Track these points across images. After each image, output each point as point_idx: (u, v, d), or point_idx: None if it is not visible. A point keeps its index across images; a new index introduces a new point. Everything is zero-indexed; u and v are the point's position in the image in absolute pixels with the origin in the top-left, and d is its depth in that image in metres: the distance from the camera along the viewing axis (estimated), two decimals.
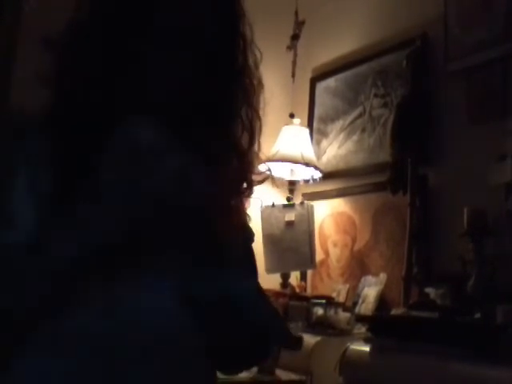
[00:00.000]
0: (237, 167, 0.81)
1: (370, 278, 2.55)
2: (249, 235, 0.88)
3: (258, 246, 2.70)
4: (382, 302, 2.42)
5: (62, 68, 0.77)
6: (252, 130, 0.83)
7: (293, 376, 2.00)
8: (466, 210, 1.95)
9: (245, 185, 0.84)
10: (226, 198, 0.80)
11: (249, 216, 0.90)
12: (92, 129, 0.72)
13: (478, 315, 1.65)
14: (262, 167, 0.88)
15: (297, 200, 2.93)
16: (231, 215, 0.80)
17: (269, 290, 2.50)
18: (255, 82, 0.85)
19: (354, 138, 2.89)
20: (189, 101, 0.77)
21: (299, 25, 3.14)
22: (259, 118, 0.85)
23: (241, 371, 0.94)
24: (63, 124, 0.73)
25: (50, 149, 0.72)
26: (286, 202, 2.88)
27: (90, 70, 0.75)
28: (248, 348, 0.84)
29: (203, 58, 0.78)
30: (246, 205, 0.87)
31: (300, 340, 2.00)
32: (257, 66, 0.85)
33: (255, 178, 0.86)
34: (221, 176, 0.78)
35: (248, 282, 0.83)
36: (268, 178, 0.90)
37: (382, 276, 2.50)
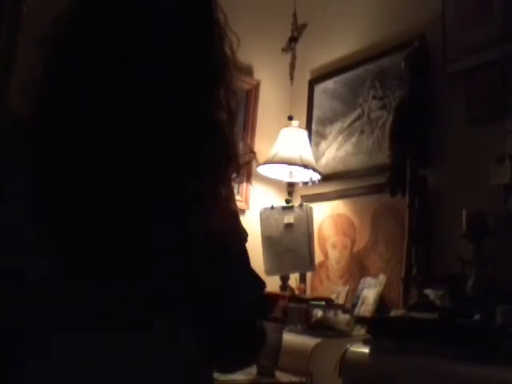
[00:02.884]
0: (222, 152, 0.82)
1: (369, 280, 2.55)
2: (242, 235, 0.88)
3: (257, 248, 2.70)
4: (382, 303, 2.42)
5: (49, 70, 0.78)
6: (231, 111, 0.84)
7: (292, 378, 1.99)
8: (465, 211, 1.95)
9: (231, 169, 0.84)
10: (216, 186, 0.80)
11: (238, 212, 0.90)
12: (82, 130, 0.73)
13: (477, 316, 1.65)
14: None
15: (296, 202, 2.94)
16: (222, 204, 0.80)
17: (268, 292, 2.50)
18: (231, 66, 0.85)
19: (353, 139, 2.89)
20: (167, 88, 0.77)
21: (299, 28, 3.15)
22: (236, 100, 0.85)
23: (238, 368, 0.94)
24: (51, 127, 0.74)
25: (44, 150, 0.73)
26: (285, 204, 2.88)
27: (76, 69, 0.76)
28: (240, 341, 0.84)
29: (181, 45, 0.79)
30: (240, 206, 0.87)
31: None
32: (233, 51, 0.85)
33: (241, 160, 0.86)
34: (208, 165, 0.79)
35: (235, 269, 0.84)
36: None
37: (382, 277, 2.50)
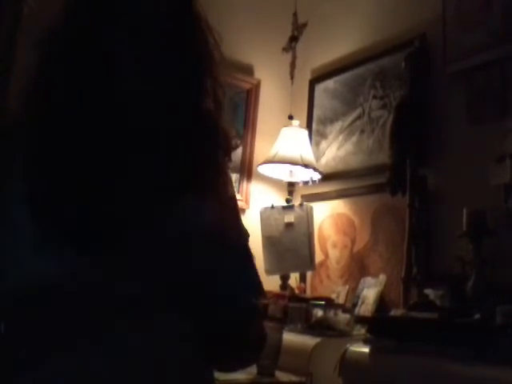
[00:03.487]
0: (214, 140, 0.84)
1: (369, 279, 2.55)
2: (243, 235, 0.89)
3: (257, 247, 2.70)
4: (382, 303, 2.42)
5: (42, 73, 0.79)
6: (218, 100, 0.86)
7: (292, 377, 1.99)
8: (465, 211, 1.94)
9: (223, 154, 0.86)
10: (215, 179, 0.82)
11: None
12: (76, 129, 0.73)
13: (477, 316, 1.65)
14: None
15: (296, 201, 2.94)
16: (222, 198, 0.82)
17: (268, 292, 2.50)
18: (216, 56, 0.87)
19: (353, 139, 2.89)
20: (164, 87, 0.78)
21: (300, 27, 3.15)
22: (223, 91, 0.88)
23: (239, 368, 0.94)
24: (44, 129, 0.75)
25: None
26: (285, 204, 2.88)
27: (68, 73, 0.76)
28: (240, 340, 0.84)
29: (174, 43, 0.81)
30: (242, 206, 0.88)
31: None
32: (217, 43, 0.88)
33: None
34: (208, 161, 0.80)
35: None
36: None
37: (382, 277, 2.50)
